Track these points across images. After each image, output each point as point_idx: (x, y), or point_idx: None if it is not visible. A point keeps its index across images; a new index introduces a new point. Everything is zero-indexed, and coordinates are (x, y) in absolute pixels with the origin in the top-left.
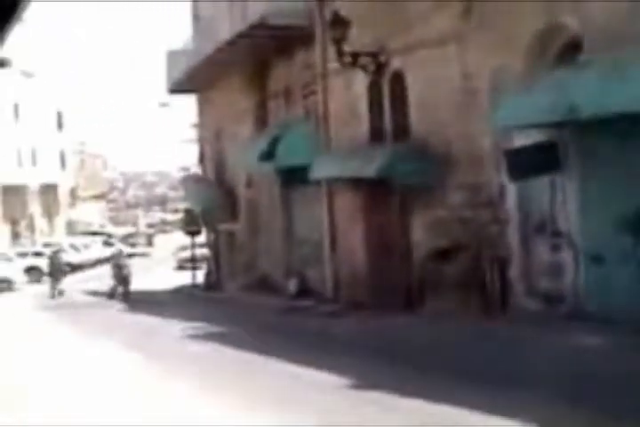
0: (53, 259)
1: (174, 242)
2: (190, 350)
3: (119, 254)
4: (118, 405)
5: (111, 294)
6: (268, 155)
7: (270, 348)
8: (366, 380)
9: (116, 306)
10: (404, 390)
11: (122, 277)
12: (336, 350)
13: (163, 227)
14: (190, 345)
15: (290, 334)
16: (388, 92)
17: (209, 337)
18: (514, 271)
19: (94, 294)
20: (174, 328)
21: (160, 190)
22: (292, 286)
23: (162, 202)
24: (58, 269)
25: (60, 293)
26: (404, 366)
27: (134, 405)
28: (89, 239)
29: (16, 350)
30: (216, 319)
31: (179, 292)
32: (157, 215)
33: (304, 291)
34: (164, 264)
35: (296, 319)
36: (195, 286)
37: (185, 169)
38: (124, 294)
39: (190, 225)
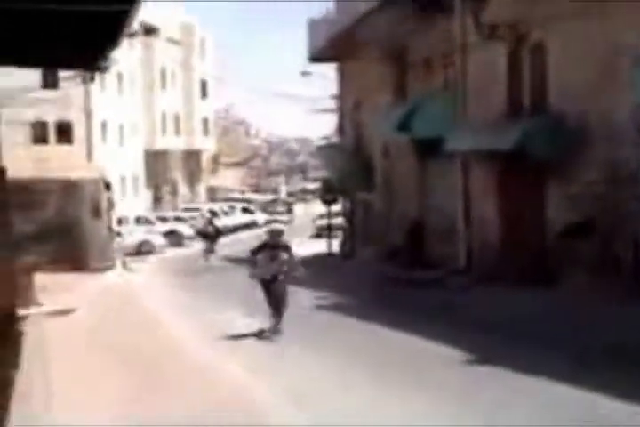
0: (209, 222)
1: (313, 210)
2: (316, 318)
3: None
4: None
5: None
6: (405, 125)
7: (400, 319)
8: (494, 356)
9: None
10: (533, 370)
11: None
12: (466, 324)
13: (302, 195)
14: (316, 314)
15: (419, 306)
16: (528, 65)
17: (336, 307)
18: None
19: (231, 260)
20: (300, 296)
21: (302, 158)
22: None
23: (303, 170)
24: (213, 232)
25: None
26: (536, 345)
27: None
28: (229, 205)
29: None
30: (345, 289)
31: (313, 259)
32: (298, 184)
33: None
34: (301, 232)
35: (426, 291)
36: (330, 254)
37: (326, 138)
38: None
39: (328, 194)
